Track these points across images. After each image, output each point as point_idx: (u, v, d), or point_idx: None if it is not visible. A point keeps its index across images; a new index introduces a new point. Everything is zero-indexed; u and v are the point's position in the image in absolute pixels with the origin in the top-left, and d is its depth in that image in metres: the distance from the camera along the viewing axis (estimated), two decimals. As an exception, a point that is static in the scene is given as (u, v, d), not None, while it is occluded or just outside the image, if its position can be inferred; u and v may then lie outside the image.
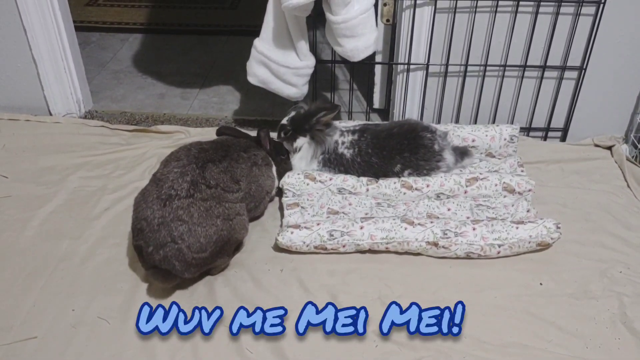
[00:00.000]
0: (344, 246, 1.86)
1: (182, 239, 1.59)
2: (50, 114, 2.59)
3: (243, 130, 2.07)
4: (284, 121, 2.09)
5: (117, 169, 2.24)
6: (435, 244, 1.84)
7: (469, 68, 2.35)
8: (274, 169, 2.01)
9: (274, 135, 2.11)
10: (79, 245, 1.88)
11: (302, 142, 2.08)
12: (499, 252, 1.84)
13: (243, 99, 2.83)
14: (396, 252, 1.89)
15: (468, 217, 1.99)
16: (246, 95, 2.84)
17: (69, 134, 2.43)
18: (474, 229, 1.86)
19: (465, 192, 2.07)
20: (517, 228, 1.85)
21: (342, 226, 1.87)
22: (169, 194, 1.64)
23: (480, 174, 2.09)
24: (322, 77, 2.50)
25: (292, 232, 1.85)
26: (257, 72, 2.19)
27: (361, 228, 1.86)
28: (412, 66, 2.35)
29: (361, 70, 2.66)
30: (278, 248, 1.89)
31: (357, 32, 2.00)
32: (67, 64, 2.50)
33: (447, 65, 2.34)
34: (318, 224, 1.88)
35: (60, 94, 2.54)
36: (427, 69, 2.35)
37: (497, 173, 2.11)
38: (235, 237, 1.75)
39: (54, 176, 2.19)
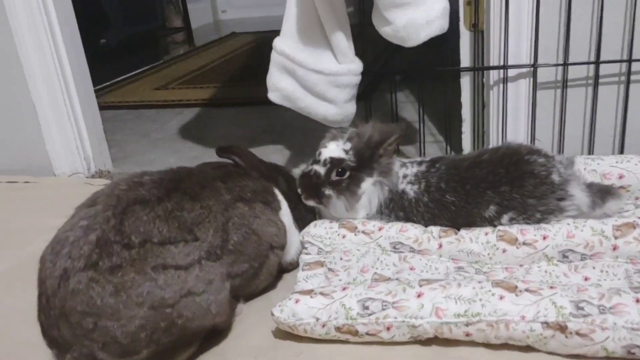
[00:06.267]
0: (388, 329, 1.06)
1: (90, 338, 1.02)
2: (55, 175, 2.15)
3: (262, 160, 1.39)
4: (334, 153, 1.34)
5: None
6: (562, 328, 0.98)
7: (602, 69, 1.54)
8: (282, 212, 1.30)
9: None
10: None
11: (368, 184, 1.36)
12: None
13: (291, 157, 2.24)
14: (486, 344, 1.04)
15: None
16: (296, 154, 2.26)
17: (62, 194, 2.00)
18: (637, 301, 0.97)
19: (615, 249, 1.21)
20: None
21: (386, 292, 1.08)
22: (65, 267, 1.03)
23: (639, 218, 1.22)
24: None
25: (296, 301, 1.09)
26: (279, 84, 1.55)
27: (418, 296, 1.06)
28: (511, 71, 1.60)
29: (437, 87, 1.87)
30: (280, 332, 1.13)
31: (414, -5, 1.32)
32: (72, 112, 2.11)
33: (565, 65, 1.56)
34: (344, 289, 1.10)
35: (64, 148, 2.11)
36: (534, 73, 1.58)
37: (669, 219, 1.23)
38: (194, 325, 1.07)
39: (18, 238, 1.68)
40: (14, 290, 1.49)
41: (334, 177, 1.33)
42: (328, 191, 1.34)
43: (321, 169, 1.34)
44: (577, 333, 0.98)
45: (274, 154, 2.31)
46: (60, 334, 1.03)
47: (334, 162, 1.33)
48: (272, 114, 2.82)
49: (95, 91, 3.46)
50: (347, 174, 1.33)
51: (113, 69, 3.82)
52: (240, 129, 2.68)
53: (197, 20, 5.59)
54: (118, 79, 3.82)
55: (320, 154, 1.36)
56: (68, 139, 2.11)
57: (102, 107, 3.19)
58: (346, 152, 1.34)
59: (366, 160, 1.34)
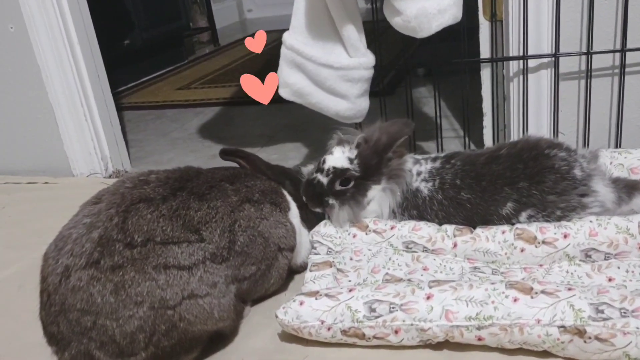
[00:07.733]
0: (396, 332, 1.01)
1: (88, 337, 1.01)
2: (73, 175, 2.16)
3: (268, 163, 1.35)
4: (337, 163, 1.29)
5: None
6: (580, 332, 0.92)
7: (629, 57, 1.47)
8: (291, 212, 1.26)
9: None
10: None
11: (375, 191, 1.31)
12: None
13: (310, 153, 2.19)
14: (500, 349, 0.99)
15: (649, 292, 1.04)
16: (315, 150, 2.20)
17: (79, 194, 1.92)
18: (663, 304, 0.91)
19: (641, 247, 1.13)
20: None
21: (394, 294, 1.03)
22: (66, 264, 1.03)
23: (668, 215, 1.15)
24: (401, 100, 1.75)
25: (301, 304, 1.05)
26: (289, 80, 1.51)
27: (428, 298, 1.01)
28: (532, 62, 1.53)
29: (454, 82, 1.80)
30: (287, 335, 1.10)
31: (425, -16, 1.26)
32: (89, 113, 2.10)
33: (589, 54, 1.48)
34: (350, 291, 1.06)
35: (82, 149, 2.12)
36: (556, 63, 1.51)
37: (700, 215, 1.15)
38: (196, 329, 1.05)
39: (35, 238, 1.67)
40: (27, 290, 1.49)
41: (337, 187, 1.28)
42: (332, 201, 1.29)
43: (324, 179, 1.29)
44: (597, 338, 0.92)
45: (292, 152, 2.27)
46: (59, 331, 1.02)
47: (337, 173, 1.28)
48: (292, 111, 2.76)
49: (120, 92, 3.52)
50: (352, 183, 1.28)
51: (137, 70, 3.82)
52: (260, 128, 2.64)
53: (223, 20, 5.60)
54: (143, 79, 3.83)
55: (324, 161, 1.31)
56: (85, 140, 2.11)
57: (125, 108, 3.22)
58: (351, 160, 1.28)
59: (373, 167, 1.28)
